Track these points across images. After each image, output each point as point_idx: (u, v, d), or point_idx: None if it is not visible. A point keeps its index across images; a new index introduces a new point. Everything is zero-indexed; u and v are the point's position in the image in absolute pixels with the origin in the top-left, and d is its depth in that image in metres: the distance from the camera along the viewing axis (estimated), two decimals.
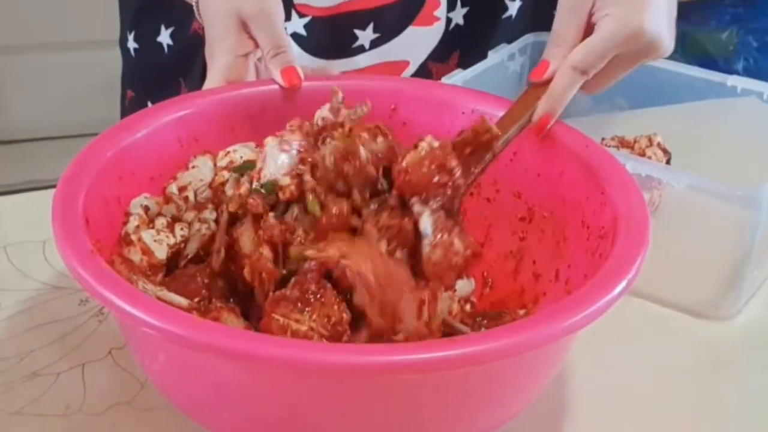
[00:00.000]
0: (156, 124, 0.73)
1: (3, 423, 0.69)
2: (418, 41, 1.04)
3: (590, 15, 0.75)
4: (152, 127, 0.73)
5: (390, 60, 1.04)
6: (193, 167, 0.73)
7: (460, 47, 1.06)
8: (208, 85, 0.81)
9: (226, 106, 0.77)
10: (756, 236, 0.79)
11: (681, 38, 2.05)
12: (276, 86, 0.78)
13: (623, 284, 0.58)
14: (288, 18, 1.00)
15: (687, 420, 0.73)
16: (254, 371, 0.56)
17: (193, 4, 0.85)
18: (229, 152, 0.73)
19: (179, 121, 0.75)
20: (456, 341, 0.54)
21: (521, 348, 0.55)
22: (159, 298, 0.63)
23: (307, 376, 0.55)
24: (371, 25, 1.01)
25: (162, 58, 1.07)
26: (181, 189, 0.72)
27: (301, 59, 1.01)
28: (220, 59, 0.80)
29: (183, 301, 0.64)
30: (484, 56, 0.99)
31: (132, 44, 1.10)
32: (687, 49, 2.01)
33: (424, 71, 1.06)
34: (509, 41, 1.04)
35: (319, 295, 0.63)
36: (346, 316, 0.62)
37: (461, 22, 1.05)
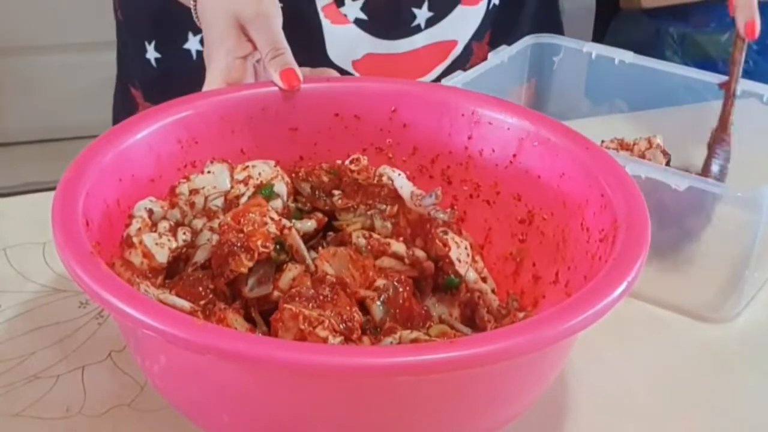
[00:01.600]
0: (156, 126, 0.73)
1: (3, 425, 0.69)
2: (465, 20, 1.07)
3: None
4: (152, 129, 0.73)
5: (442, 40, 1.06)
6: (209, 172, 0.73)
7: (492, 26, 1.10)
8: (207, 87, 0.81)
9: (226, 107, 0.77)
10: (756, 238, 0.79)
11: (681, 40, 2.05)
12: (275, 88, 0.78)
13: (623, 286, 0.58)
14: (342, 4, 1.01)
15: (687, 422, 0.73)
16: (254, 373, 0.56)
17: (191, 7, 0.85)
18: (247, 167, 0.73)
19: (179, 123, 0.75)
20: (456, 343, 0.54)
21: (521, 350, 0.54)
22: (161, 301, 0.63)
23: (306, 378, 0.55)
24: (426, 3, 1.03)
25: (190, 65, 1.06)
26: (193, 192, 0.72)
27: (364, 42, 1.03)
28: (219, 61, 0.80)
29: (185, 305, 0.64)
30: (509, 35, 1.01)
31: (153, 54, 1.09)
32: (687, 51, 2.01)
33: (468, 51, 1.09)
34: (534, 19, 1.07)
35: (331, 298, 0.63)
36: (357, 317, 0.63)
37: (497, 1, 1.08)
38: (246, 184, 0.72)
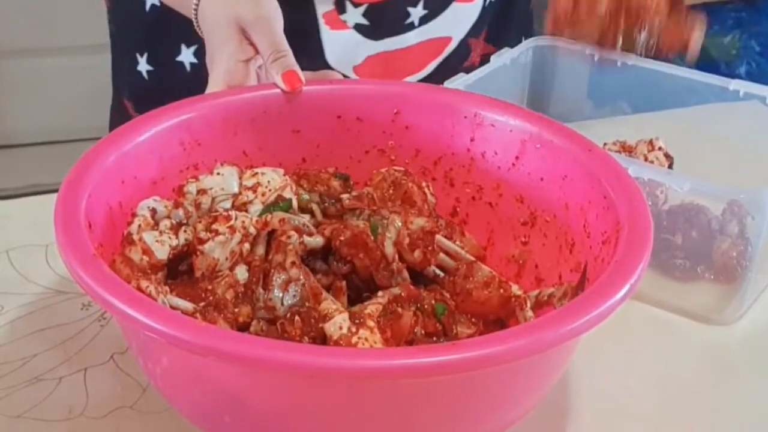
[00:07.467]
0: (158, 128, 0.73)
1: (5, 427, 0.69)
2: (460, 17, 1.08)
3: None
4: (154, 131, 0.73)
5: (435, 37, 1.07)
6: (218, 174, 0.73)
7: (489, 22, 1.10)
8: (209, 90, 0.81)
9: (229, 109, 0.77)
10: (759, 240, 0.79)
11: None
12: (277, 90, 0.78)
13: (626, 289, 0.58)
14: (343, 11, 1.01)
15: (689, 424, 0.73)
16: (255, 375, 0.56)
17: (192, 15, 0.86)
18: (256, 173, 0.73)
19: (181, 125, 0.75)
20: (458, 345, 0.54)
21: (523, 352, 0.54)
22: (169, 304, 0.63)
23: (307, 380, 0.55)
24: (421, 2, 1.04)
25: (183, 77, 1.06)
26: (201, 192, 0.72)
27: (363, 47, 1.04)
28: (221, 65, 0.80)
29: (188, 306, 0.64)
30: (503, 30, 1.02)
31: (144, 66, 1.08)
32: None
33: (463, 47, 1.09)
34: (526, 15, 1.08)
35: None
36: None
37: None
38: (254, 192, 0.72)
